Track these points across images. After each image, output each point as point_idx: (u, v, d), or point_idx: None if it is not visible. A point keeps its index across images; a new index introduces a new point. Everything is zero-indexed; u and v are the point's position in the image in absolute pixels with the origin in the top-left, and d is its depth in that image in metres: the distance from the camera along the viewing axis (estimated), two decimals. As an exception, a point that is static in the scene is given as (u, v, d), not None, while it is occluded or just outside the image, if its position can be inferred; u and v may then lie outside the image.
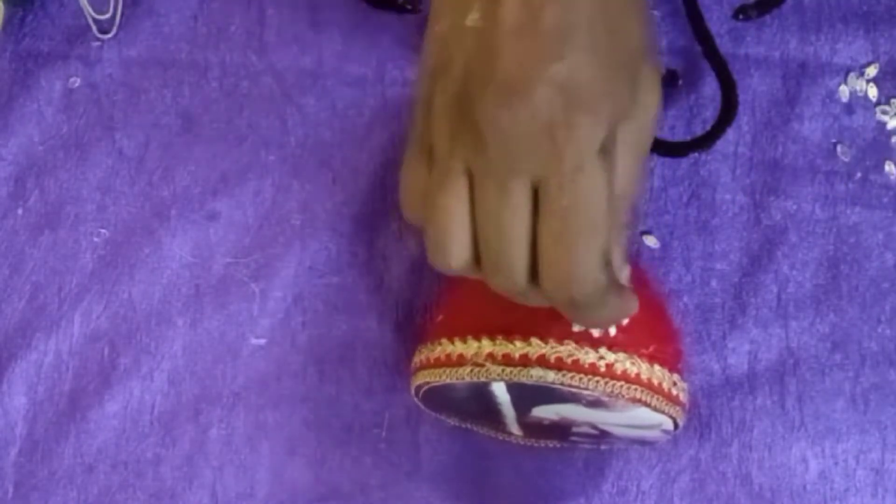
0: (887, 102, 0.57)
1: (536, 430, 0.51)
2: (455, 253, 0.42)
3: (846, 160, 0.56)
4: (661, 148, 0.56)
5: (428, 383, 0.49)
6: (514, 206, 0.41)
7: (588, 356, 0.46)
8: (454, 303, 0.51)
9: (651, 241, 0.56)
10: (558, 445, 0.53)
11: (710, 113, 0.57)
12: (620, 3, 0.42)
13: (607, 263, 0.41)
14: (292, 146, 0.58)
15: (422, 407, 0.52)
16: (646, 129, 0.44)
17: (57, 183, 0.58)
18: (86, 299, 0.57)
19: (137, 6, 0.59)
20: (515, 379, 0.47)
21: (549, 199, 0.40)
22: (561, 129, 0.40)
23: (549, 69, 0.39)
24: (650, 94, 0.43)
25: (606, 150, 0.41)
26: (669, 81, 0.57)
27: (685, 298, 0.55)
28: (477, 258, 0.42)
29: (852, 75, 0.57)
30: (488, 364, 0.47)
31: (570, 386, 0.46)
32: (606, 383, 0.46)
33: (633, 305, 0.44)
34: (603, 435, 0.51)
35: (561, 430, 0.51)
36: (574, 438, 0.51)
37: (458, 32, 0.41)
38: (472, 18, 0.41)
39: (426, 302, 0.56)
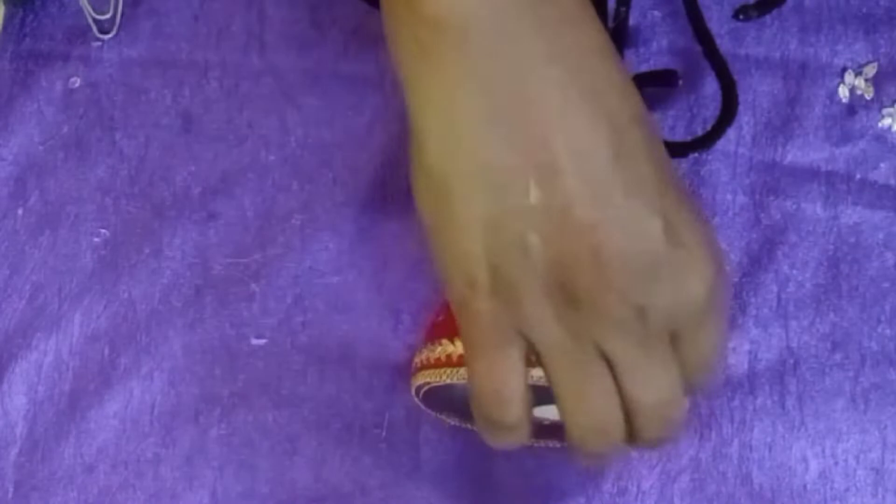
0: (886, 103, 0.57)
1: (536, 430, 0.51)
2: (617, 436, 0.41)
3: (846, 160, 0.56)
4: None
5: (428, 383, 0.49)
6: (664, 360, 0.40)
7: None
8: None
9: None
10: (558, 445, 0.53)
11: (710, 113, 0.57)
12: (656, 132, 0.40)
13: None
14: (292, 146, 0.58)
15: (422, 407, 0.52)
16: None
17: (57, 183, 0.58)
18: (86, 299, 0.57)
19: (138, 6, 0.59)
20: (516, 378, 0.46)
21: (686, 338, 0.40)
22: (705, 301, 0.39)
23: (658, 246, 0.37)
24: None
25: None
26: (669, 81, 0.57)
27: (685, 298, 0.55)
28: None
29: (852, 76, 0.57)
30: (488, 364, 0.47)
31: (571, 385, 0.46)
32: (607, 383, 0.46)
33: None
34: (603, 435, 0.50)
35: (561, 430, 0.50)
36: (574, 438, 0.51)
37: (520, 212, 0.37)
38: (535, 196, 0.37)
39: (426, 302, 0.56)
